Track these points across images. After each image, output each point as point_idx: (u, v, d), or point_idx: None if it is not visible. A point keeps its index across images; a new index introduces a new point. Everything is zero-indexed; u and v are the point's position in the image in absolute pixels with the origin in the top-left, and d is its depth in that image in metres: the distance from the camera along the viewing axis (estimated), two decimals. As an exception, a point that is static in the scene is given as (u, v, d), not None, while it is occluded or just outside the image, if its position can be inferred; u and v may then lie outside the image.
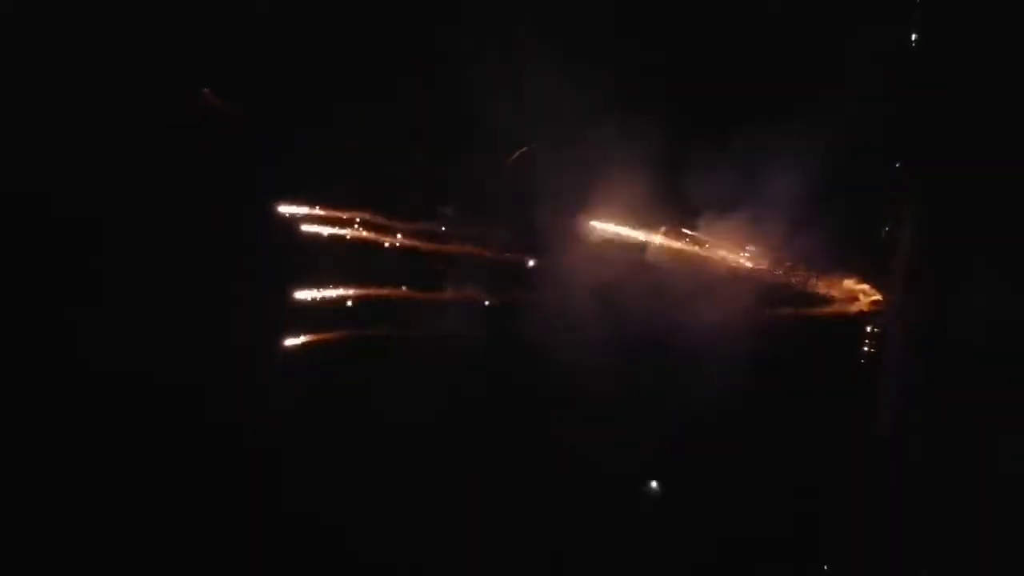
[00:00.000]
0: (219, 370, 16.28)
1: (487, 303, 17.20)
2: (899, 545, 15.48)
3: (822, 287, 16.92)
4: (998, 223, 15.45)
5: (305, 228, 16.76)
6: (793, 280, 16.95)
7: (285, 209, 16.79)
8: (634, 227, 17.16)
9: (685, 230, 17.14)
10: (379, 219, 17.03)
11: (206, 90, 16.47)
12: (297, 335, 16.80)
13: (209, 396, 16.45)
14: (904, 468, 15.60)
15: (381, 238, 17.12)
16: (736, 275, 17.08)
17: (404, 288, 17.04)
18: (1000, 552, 14.49)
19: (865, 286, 16.79)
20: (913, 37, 16.40)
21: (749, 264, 17.08)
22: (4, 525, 15.51)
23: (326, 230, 16.86)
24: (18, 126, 16.01)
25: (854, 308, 16.83)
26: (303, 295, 16.69)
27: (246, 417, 16.42)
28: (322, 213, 16.82)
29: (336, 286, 16.81)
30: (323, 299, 16.77)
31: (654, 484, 17.06)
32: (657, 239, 17.16)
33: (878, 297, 16.74)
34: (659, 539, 16.45)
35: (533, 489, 16.65)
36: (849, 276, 16.82)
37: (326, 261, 16.79)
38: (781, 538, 16.16)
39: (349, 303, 16.91)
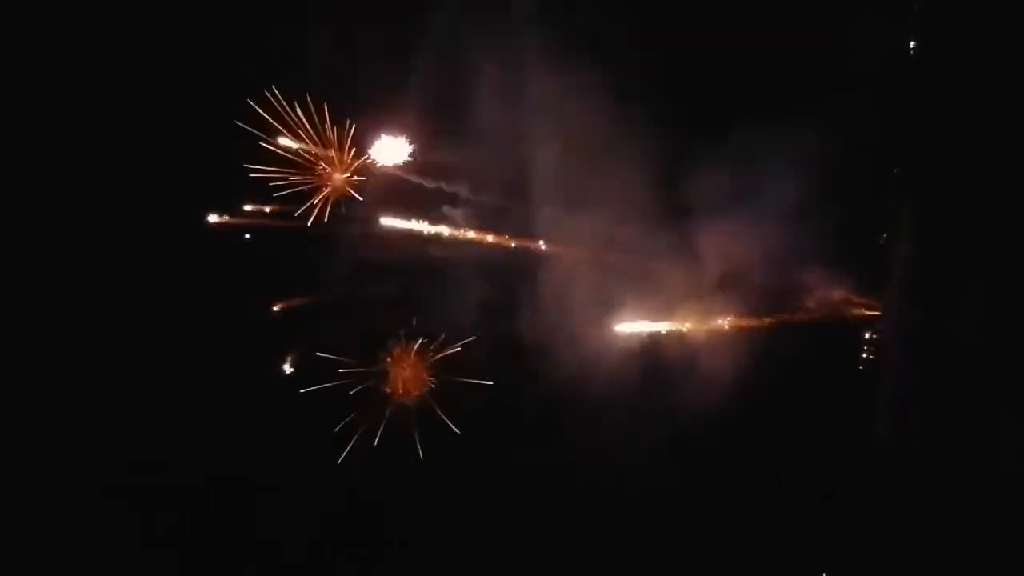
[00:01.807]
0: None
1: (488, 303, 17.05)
2: (896, 546, 15.65)
3: (820, 292, 17.01)
4: (995, 229, 15.60)
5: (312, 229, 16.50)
6: (791, 286, 17.03)
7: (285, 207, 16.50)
8: (631, 227, 17.07)
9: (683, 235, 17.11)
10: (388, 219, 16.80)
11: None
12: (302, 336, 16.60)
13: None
14: (903, 471, 15.74)
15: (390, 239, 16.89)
16: (734, 281, 17.11)
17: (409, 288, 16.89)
18: (1000, 552, 14.70)
19: (863, 291, 16.91)
20: (911, 45, 16.46)
21: (747, 270, 17.10)
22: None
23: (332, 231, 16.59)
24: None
25: (852, 314, 16.96)
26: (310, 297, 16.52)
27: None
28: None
29: (342, 288, 16.62)
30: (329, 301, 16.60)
31: None
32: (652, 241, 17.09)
33: (876, 303, 16.88)
34: (661, 540, 16.50)
35: (532, 488, 16.66)
36: (847, 282, 16.93)
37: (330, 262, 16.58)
38: (781, 540, 16.24)
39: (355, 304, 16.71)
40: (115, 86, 15.99)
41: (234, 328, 16.35)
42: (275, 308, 16.71)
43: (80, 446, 16.03)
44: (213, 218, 16.50)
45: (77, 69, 15.92)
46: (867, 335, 16.88)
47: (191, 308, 16.19)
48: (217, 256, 16.34)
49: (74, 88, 15.96)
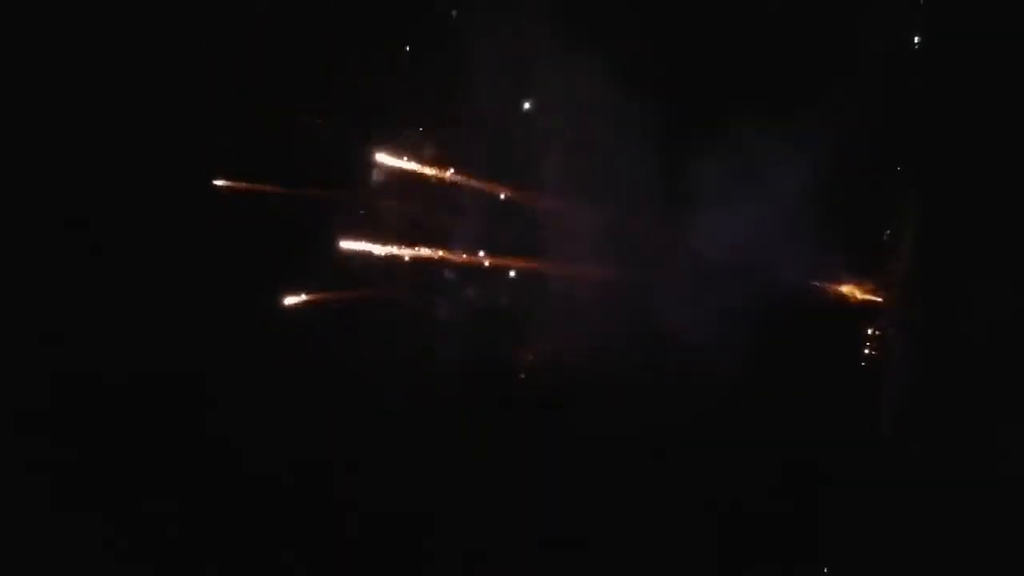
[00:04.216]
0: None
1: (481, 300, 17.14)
2: (899, 545, 15.52)
3: (823, 288, 16.91)
4: (1000, 225, 15.45)
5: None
6: (794, 281, 16.94)
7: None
8: (632, 223, 17.10)
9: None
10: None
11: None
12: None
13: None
14: (905, 468, 15.62)
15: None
16: (737, 275, 17.04)
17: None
18: (1000, 552, 14.53)
19: (867, 288, 16.79)
20: (916, 40, 16.33)
21: (751, 264, 17.02)
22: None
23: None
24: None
25: (855, 309, 16.83)
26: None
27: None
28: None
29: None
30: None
31: None
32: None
33: (880, 299, 16.75)
34: (659, 538, 16.45)
35: (530, 486, 16.71)
36: (851, 278, 16.81)
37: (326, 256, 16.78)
38: (781, 538, 16.19)
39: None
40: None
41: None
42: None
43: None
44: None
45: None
46: (871, 331, 16.75)
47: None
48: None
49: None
